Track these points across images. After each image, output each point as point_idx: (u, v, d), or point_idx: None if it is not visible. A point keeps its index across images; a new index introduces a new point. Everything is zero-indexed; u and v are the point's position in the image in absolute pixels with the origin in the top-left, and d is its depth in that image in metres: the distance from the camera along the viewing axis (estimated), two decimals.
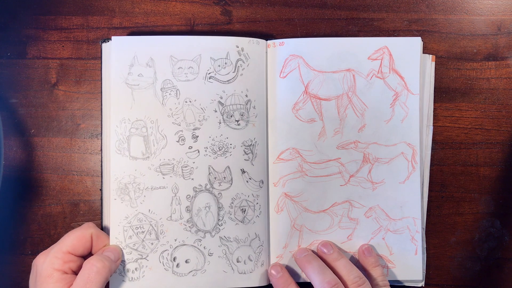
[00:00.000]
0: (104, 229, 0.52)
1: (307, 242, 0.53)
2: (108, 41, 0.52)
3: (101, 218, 0.52)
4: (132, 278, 0.50)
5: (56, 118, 0.55)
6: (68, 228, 0.54)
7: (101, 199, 0.52)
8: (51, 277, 0.45)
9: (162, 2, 0.55)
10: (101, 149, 0.52)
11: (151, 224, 0.51)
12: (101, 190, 0.53)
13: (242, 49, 0.52)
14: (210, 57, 0.52)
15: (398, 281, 0.53)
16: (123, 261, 0.50)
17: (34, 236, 0.54)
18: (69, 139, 0.55)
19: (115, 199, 0.51)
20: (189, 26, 0.55)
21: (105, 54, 0.52)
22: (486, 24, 0.55)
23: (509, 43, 0.55)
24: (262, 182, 0.52)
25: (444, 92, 0.55)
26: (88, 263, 0.45)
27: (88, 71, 0.55)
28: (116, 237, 0.50)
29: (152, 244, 0.51)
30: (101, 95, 0.52)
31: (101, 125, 0.52)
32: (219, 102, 0.52)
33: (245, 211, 0.52)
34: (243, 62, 0.52)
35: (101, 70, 0.53)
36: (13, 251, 0.54)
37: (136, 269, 0.50)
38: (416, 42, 0.53)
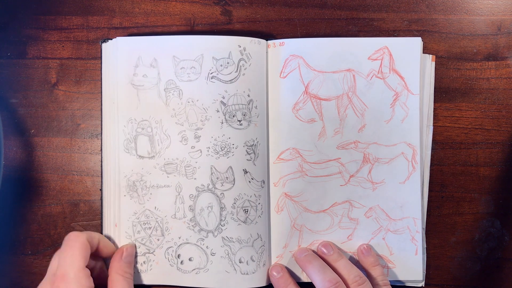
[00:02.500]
0: (104, 229, 0.52)
1: (307, 242, 0.53)
2: (107, 41, 0.52)
3: (101, 218, 0.52)
4: (141, 270, 0.52)
5: (56, 118, 0.55)
6: (68, 228, 0.54)
7: (101, 199, 0.52)
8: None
9: (162, 2, 0.55)
10: (101, 149, 0.52)
11: (157, 221, 0.52)
12: (101, 190, 0.53)
13: (244, 49, 0.52)
14: (212, 57, 0.52)
15: (398, 281, 0.53)
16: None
17: (34, 236, 0.54)
18: (69, 139, 0.55)
19: (124, 195, 0.52)
20: (189, 26, 0.55)
21: (105, 54, 0.52)
22: (486, 24, 0.55)
23: (509, 43, 0.55)
24: (264, 182, 0.52)
25: (444, 92, 0.55)
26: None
27: (88, 71, 0.55)
28: (126, 231, 0.52)
29: (158, 240, 0.52)
30: (101, 95, 0.53)
31: (101, 125, 0.52)
32: (221, 102, 0.52)
33: (247, 211, 0.52)
34: (245, 62, 0.52)
35: (101, 70, 0.53)
36: (13, 251, 0.54)
37: (144, 262, 0.52)
38: (416, 42, 0.53)
